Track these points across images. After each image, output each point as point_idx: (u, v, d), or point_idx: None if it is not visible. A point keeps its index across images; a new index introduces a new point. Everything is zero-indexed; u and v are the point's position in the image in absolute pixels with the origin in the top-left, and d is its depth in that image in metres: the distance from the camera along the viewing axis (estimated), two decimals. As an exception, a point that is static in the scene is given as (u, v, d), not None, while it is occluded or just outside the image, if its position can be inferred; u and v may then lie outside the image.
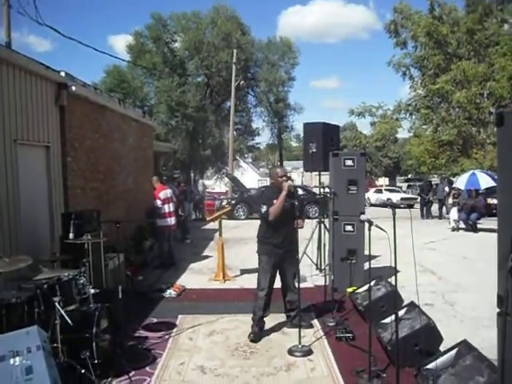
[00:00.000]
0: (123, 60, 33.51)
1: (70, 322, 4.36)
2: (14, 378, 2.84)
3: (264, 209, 5.91)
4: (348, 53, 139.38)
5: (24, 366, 2.98)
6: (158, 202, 10.45)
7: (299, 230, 5.81)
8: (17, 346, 3.25)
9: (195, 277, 9.58)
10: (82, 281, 5.12)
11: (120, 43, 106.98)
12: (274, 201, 5.84)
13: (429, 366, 4.14)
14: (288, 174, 6.10)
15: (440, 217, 21.83)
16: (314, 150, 9.07)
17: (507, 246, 2.58)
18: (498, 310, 2.70)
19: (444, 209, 22.03)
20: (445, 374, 3.88)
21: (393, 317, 4.77)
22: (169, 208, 10.52)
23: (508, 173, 2.72)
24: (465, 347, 4.06)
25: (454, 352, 4.10)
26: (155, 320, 6.67)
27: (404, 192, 37.87)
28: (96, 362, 4.60)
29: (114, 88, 28.43)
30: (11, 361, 3.06)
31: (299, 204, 6.13)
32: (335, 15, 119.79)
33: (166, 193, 10.60)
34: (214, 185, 45.90)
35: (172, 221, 10.65)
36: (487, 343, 3.73)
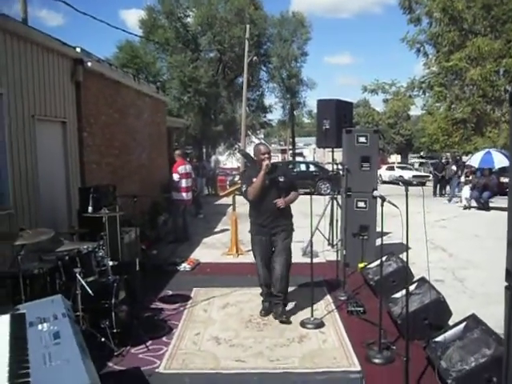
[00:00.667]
0: (136, 35, 33.31)
1: (90, 292, 4.54)
2: (43, 342, 2.96)
3: (244, 188, 5.78)
4: (361, 28, 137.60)
5: (52, 331, 3.10)
6: (176, 176, 10.53)
7: (311, 205, 5.85)
8: (43, 313, 3.38)
9: (209, 251, 9.75)
10: (100, 253, 5.29)
11: (132, 18, 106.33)
12: (254, 179, 5.67)
13: (437, 339, 4.27)
14: (270, 153, 5.80)
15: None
16: (328, 127, 9.15)
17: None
18: (505, 283, 2.81)
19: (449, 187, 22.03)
20: (453, 347, 4.01)
21: (403, 291, 4.88)
22: (186, 183, 10.64)
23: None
24: (473, 321, 4.17)
25: (462, 325, 4.22)
26: (170, 292, 6.85)
27: (416, 170, 37.79)
28: (115, 331, 4.81)
29: (126, 63, 28.34)
30: (39, 326, 3.18)
31: (289, 181, 5.91)
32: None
33: (184, 167, 10.70)
34: (226, 161, 46.00)
35: (188, 196, 10.79)
36: (495, 318, 3.82)
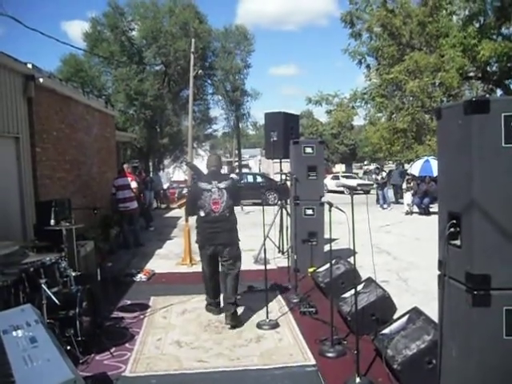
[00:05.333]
0: (80, 49, 32.95)
1: (57, 302, 4.70)
2: (20, 347, 3.12)
3: None
4: (307, 40, 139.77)
5: (27, 336, 3.26)
6: (113, 190, 11.35)
7: (264, 215, 6.26)
8: (15, 321, 3.52)
9: (163, 262, 9.93)
10: (63, 264, 5.45)
11: (74, 30, 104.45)
12: None
13: (384, 331, 4.66)
14: None
15: (395, 201, 22.45)
16: (275, 139, 9.48)
17: (445, 218, 3.07)
18: (438, 272, 3.21)
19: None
20: (397, 336, 4.39)
21: (352, 291, 5.25)
22: (123, 194, 11.26)
23: (445, 157, 3.23)
24: (415, 313, 4.59)
25: (405, 317, 4.63)
26: (129, 302, 7.01)
27: (360, 178, 38.80)
28: (79, 339, 4.96)
29: (71, 77, 28.11)
30: (14, 333, 3.33)
31: None
32: (295, 1, 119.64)
33: (117, 181, 11.37)
34: (173, 173, 45.97)
35: (130, 205, 11.39)
36: (435, 312, 4.21)
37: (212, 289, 6.39)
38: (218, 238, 5.98)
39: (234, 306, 5.98)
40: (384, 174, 22.17)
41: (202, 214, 6.00)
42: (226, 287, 6.10)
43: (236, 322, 5.91)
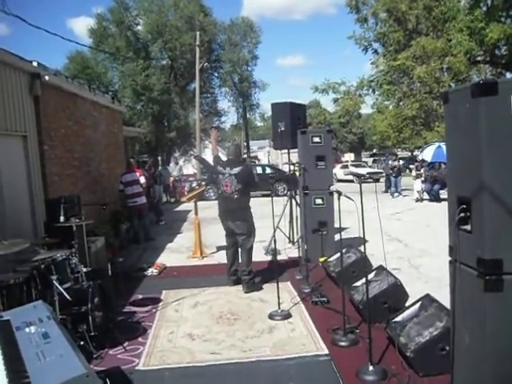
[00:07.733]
0: (86, 46, 32.94)
1: (69, 298, 4.72)
2: (33, 343, 3.13)
3: None
4: (314, 30, 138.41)
5: (40, 332, 3.27)
6: (120, 186, 11.46)
7: (273, 206, 6.25)
8: (28, 317, 3.53)
9: (174, 255, 9.95)
10: (74, 260, 5.46)
11: (79, 26, 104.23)
12: None
13: (396, 319, 4.63)
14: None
15: (386, 191, 22.09)
16: (283, 129, 9.43)
17: (455, 203, 3.03)
18: (449, 258, 3.17)
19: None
20: (410, 324, 4.37)
21: (363, 280, 5.22)
22: (132, 190, 11.31)
23: (453, 142, 3.19)
24: (428, 300, 4.56)
25: (418, 305, 4.60)
26: (141, 296, 7.04)
27: (370, 167, 38.62)
28: (92, 334, 4.99)
29: (78, 74, 28.13)
30: (27, 330, 3.33)
31: None
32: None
33: (126, 177, 11.44)
34: (184, 166, 46.03)
35: (139, 200, 11.44)
36: (448, 299, 4.19)
37: (229, 257, 7.34)
38: (230, 215, 7.08)
39: (248, 276, 7.04)
40: (401, 161, 21.91)
41: (219, 191, 7.27)
42: (241, 260, 7.22)
43: (250, 290, 6.97)
